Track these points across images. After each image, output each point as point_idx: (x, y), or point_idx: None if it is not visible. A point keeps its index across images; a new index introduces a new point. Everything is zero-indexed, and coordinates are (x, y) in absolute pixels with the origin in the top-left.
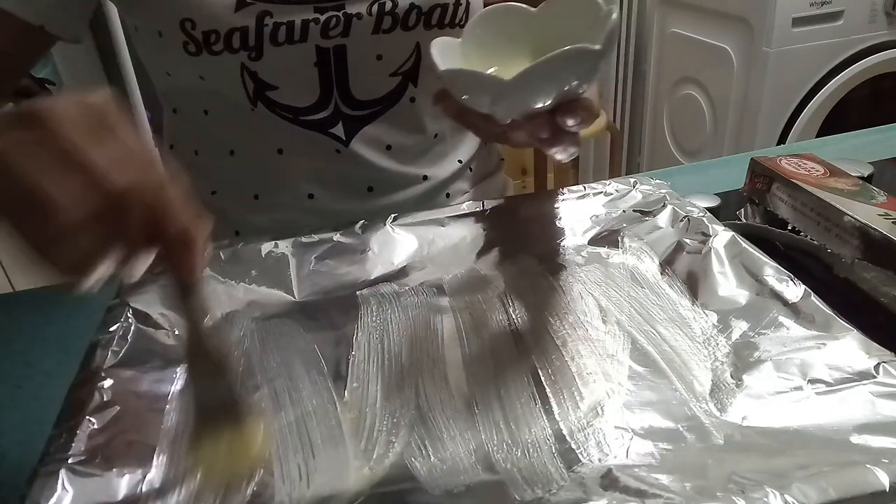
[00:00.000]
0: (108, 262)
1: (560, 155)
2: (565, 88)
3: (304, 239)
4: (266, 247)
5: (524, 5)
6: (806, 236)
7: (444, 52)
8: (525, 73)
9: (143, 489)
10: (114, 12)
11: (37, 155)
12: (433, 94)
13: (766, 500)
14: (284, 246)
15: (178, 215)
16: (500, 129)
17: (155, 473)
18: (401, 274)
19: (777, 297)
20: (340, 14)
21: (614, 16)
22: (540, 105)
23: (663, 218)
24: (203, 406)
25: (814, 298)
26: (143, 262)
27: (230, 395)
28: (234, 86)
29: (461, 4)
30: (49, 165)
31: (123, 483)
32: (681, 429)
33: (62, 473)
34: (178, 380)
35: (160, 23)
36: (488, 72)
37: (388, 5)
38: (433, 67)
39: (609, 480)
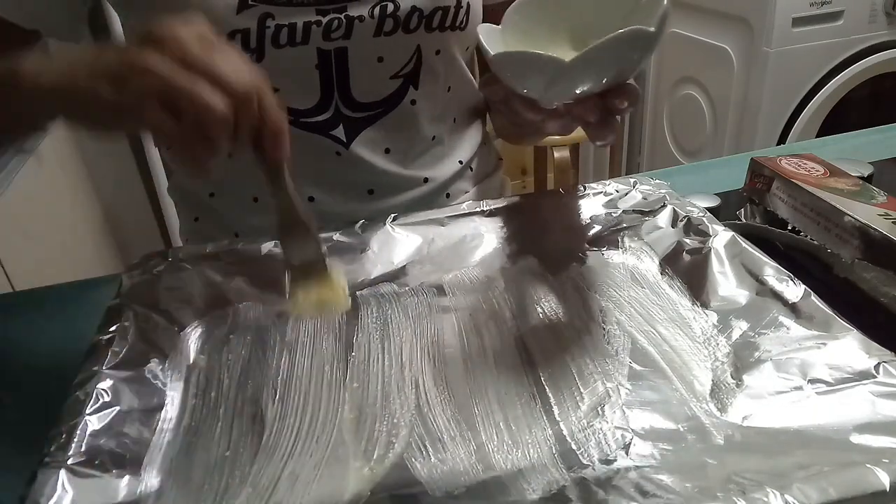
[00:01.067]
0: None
1: (602, 140)
2: (620, 70)
3: None
4: (266, 247)
5: None
6: (806, 236)
7: (490, 38)
8: (585, 55)
9: (143, 489)
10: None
11: (179, 66)
12: (480, 80)
13: (766, 500)
14: None
15: (274, 106)
16: (540, 117)
17: (154, 474)
18: (401, 274)
19: (777, 297)
20: (342, 16)
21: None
22: (594, 87)
23: (663, 218)
24: (295, 267)
25: (814, 298)
26: (246, 144)
27: (317, 253)
28: None
29: (462, 7)
30: (186, 73)
31: (123, 483)
32: (681, 429)
33: (62, 473)
34: (177, 380)
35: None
36: None
37: (390, 8)
38: (483, 53)
39: (609, 481)
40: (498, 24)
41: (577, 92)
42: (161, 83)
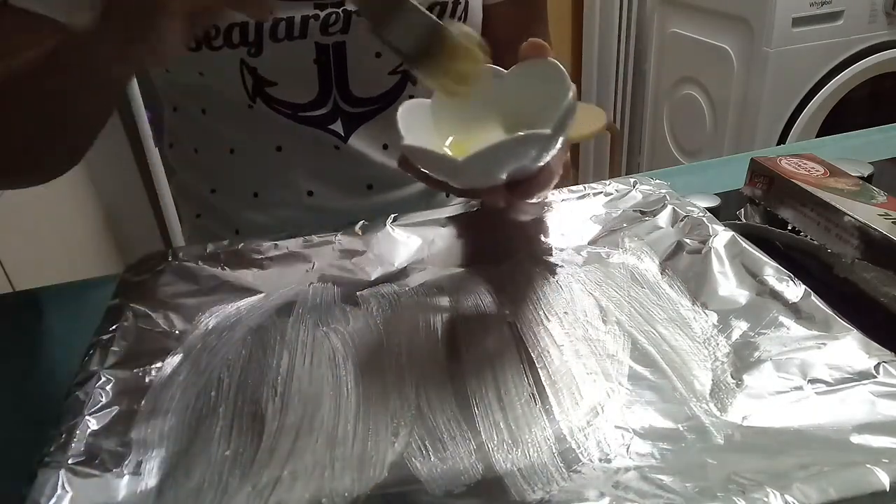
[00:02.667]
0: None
1: (525, 216)
2: (517, 167)
3: (304, 239)
4: (266, 246)
5: (497, 67)
6: (806, 236)
7: (412, 116)
8: (477, 155)
9: (143, 489)
10: None
11: None
12: (398, 159)
13: (766, 500)
14: (285, 246)
15: None
16: (462, 191)
17: (154, 474)
18: (401, 274)
19: (777, 297)
20: (340, 11)
21: (570, 96)
22: (493, 182)
23: (663, 218)
24: (411, 49)
25: (814, 298)
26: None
27: (425, 19)
28: (234, 81)
29: (460, 3)
30: None
31: (123, 483)
32: (681, 429)
33: (62, 473)
34: (177, 379)
35: None
36: (448, 142)
37: None
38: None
39: (609, 480)
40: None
41: (482, 185)
42: None
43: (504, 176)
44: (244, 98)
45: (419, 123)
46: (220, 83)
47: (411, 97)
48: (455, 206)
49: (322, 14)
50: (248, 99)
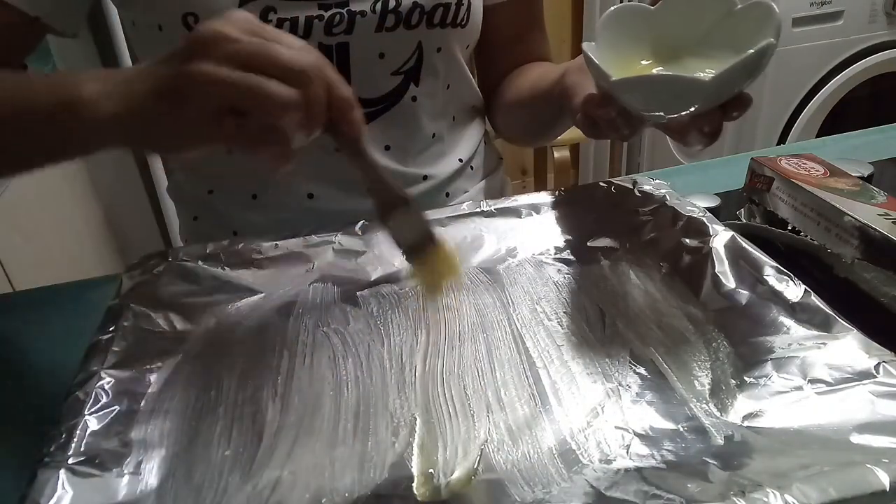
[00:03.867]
0: (299, 135)
1: (703, 146)
2: (747, 84)
3: (304, 240)
4: (266, 247)
5: (645, 4)
6: (806, 236)
7: (598, 55)
8: (724, 74)
9: (143, 489)
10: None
11: (231, 65)
12: (584, 102)
13: (766, 500)
14: (285, 247)
15: (343, 85)
16: (636, 131)
17: (155, 474)
18: (401, 275)
19: (777, 297)
20: (344, 11)
21: (775, 6)
22: (719, 101)
23: (663, 218)
24: (408, 246)
25: (814, 298)
26: (318, 127)
27: (425, 226)
28: None
29: (462, 4)
30: (244, 68)
31: (123, 483)
32: (681, 429)
33: (62, 473)
34: (177, 380)
35: (161, 17)
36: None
37: (392, 3)
38: (598, 76)
39: (609, 481)
40: (500, 25)
41: (700, 108)
42: (220, 87)
43: (730, 97)
44: None
45: (607, 57)
46: None
47: (413, 98)
48: (454, 207)
49: (326, 15)
50: None
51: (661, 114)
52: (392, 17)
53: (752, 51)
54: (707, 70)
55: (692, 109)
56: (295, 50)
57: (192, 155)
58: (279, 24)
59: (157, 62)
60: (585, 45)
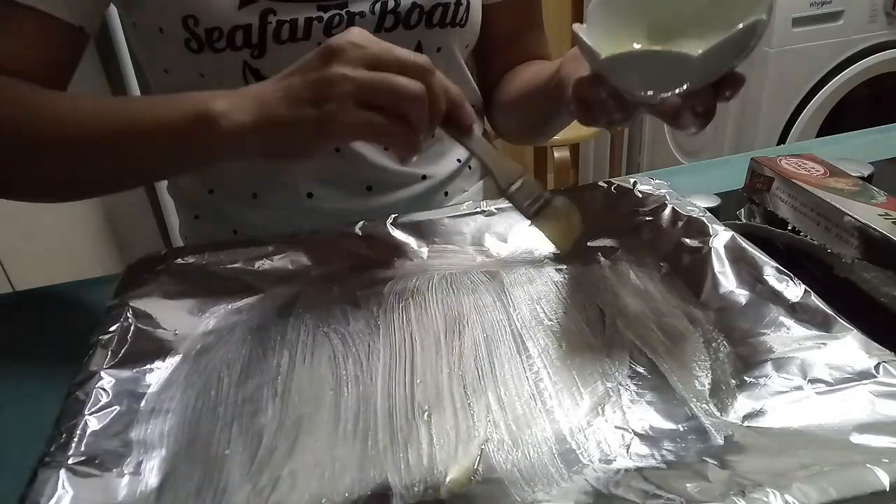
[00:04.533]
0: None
1: (698, 129)
2: (737, 61)
3: (304, 240)
4: (266, 247)
5: None
6: (806, 236)
7: (590, 38)
8: (713, 48)
9: (143, 489)
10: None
11: (366, 67)
12: (575, 84)
13: (766, 500)
14: (284, 247)
15: (451, 83)
16: (629, 116)
17: (155, 474)
18: (400, 275)
19: (777, 297)
20: (343, 12)
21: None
22: (710, 79)
23: (663, 218)
24: (529, 208)
25: (814, 298)
26: (439, 122)
27: (538, 190)
28: (236, 83)
29: (461, 4)
30: (374, 70)
31: (123, 483)
32: (681, 429)
33: (62, 473)
34: (177, 379)
35: (162, 19)
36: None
37: (391, 4)
38: (588, 55)
39: (609, 481)
40: (499, 24)
41: (707, 82)
42: (358, 84)
43: (721, 72)
44: None
45: (598, 38)
46: (222, 85)
47: None
48: (454, 207)
49: (325, 16)
50: None
51: (652, 92)
52: (391, 17)
53: (741, 26)
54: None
55: (683, 87)
56: (410, 53)
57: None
58: (279, 26)
59: (288, 74)
60: (576, 27)
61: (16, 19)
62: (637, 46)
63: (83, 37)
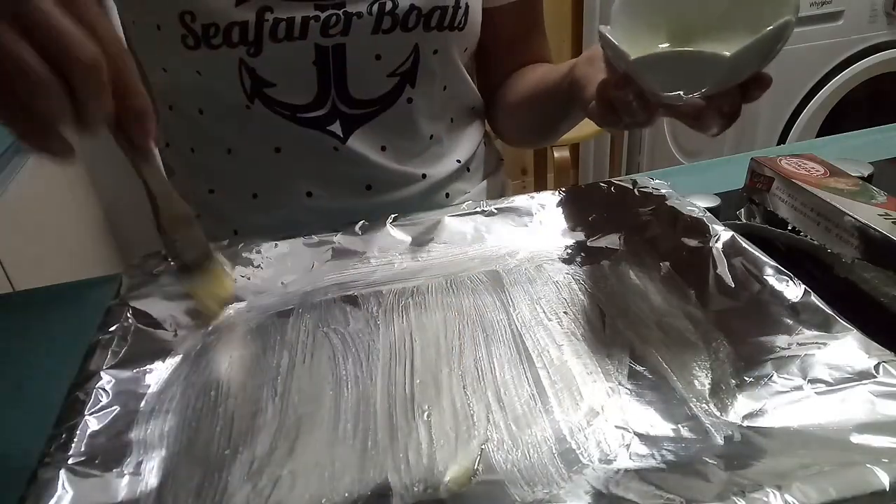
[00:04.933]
0: (69, 124)
1: (721, 130)
2: (766, 62)
3: (304, 240)
4: (266, 247)
5: None
6: (806, 236)
7: (618, 39)
8: (745, 50)
9: (143, 489)
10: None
11: (8, 23)
12: (601, 86)
13: (766, 500)
14: (284, 246)
15: (136, 85)
16: (652, 116)
17: (154, 474)
18: (400, 275)
19: (777, 297)
20: (341, 13)
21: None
22: (738, 79)
23: (663, 218)
24: (185, 264)
25: (814, 298)
26: (99, 126)
27: (205, 246)
28: (232, 82)
29: (460, 7)
30: (22, 32)
31: (123, 483)
32: (681, 429)
33: (62, 474)
34: (177, 379)
35: (159, 16)
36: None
37: (389, 5)
38: (617, 56)
39: (609, 481)
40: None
41: (720, 87)
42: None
43: (749, 75)
44: (242, 99)
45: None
46: (218, 83)
47: (409, 100)
48: (454, 207)
49: (323, 16)
50: (247, 99)
51: (681, 93)
52: (389, 19)
53: (770, 28)
54: (729, 52)
55: (712, 88)
56: (87, 34)
57: None
58: (275, 24)
59: None
60: (602, 28)
61: None
62: (662, 47)
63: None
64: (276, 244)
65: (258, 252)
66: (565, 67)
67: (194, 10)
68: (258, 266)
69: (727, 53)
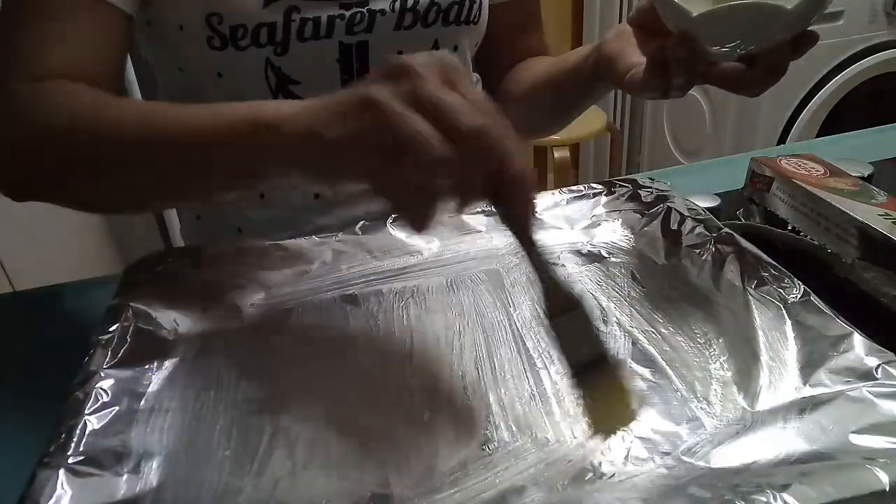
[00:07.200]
0: (450, 202)
1: (765, 89)
2: (821, 12)
3: (305, 239)
4: (267, 246)
5: None
6: (806, 236)
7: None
8: (804, 2)
9: (143, 488)
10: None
11: (405, 102)
12: (657, 47)
13: (765, 500)
14: (285, 246)
15: (518, 160)
16: (695, 78)
17: (154, 473)
18: (401, 274)
19: (777, 297)
20: (365, 10)
21: None
22: (793, 34)
23: (663, 218)
24: (576, 360)
25: (814, 298)
26: (475, 204)
27: (596, 342)
28: (257, 81)
29: (475, 1)
30: (415, 110)
31: (123, 483)
32: (681, 429)
33: (62, 473)
34: (177, 379)
35: (184, 17)
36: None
37: (410, 2)
38: (679, 15)
39: (610, 481)
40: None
41: (779, 39)
42: (380, 117)
43: (807, 26)
44: (267, 96)
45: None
46: (242, 83)
47: None
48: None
49: (347, 14)
50: (271, 96)
51: (740, 45)
52: (410, 15)
53: None
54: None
55: (773, 40)
56: (471, 105)
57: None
58: (302, 24)
59: (353, 87)
60: None
61: (73, 18)
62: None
63: (131, 25)
64: (276, 244)
65: (259, 252)
66: (583, 50)
67: (222, 12)
68: (259, 266)
69: (787, 6)
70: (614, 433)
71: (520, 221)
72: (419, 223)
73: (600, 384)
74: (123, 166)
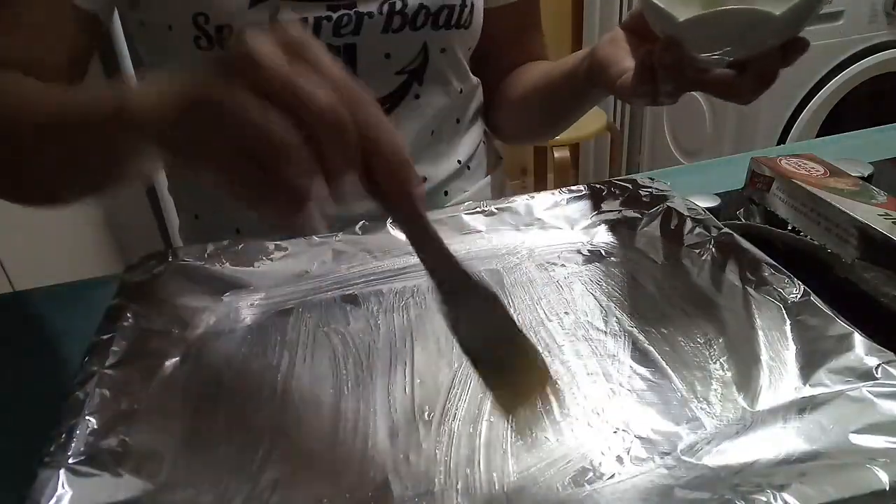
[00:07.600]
0: (321, 195)
1: (754, 97)
2: (808, 21)
3: (304, 239)
4: (267, 246)
5: None
6: (806, 236)
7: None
8: (794, 7)
9: (143, 489)
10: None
11: (247, 96)
12: (644, 54)
13: (766, 499)
14: (285, 246)
15: (392, 136)
16: (685, 86)
17: (154, 473)
18: (401, 274)
19: (777, 297)
20: (352, 13)
21: None
22: (781, 40)
23: (663, 218)
24: (480, 338)
25: (814, 298)
26: (352, 193)
27: (505, 317)
28: None
29: (466, 6)
30: (262, 102)
31: (123, 483)
32: (681, 429)
33: (62, 473)
34: (177, 379)
35: (172, 17)
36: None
37: (399, 5)
38: (663, 19)
39: (609, 481)
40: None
41: (768, 46)
42: (217, 117)
43: (797, 33)
44: None
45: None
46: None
47: (417, 97)
48: (454, 207)
49: (335, 16)
50: None
51: (728, 52)
52: (398, 18)
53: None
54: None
55: (761, 47)
56: (319, 82)
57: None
58: None
59: (195, 75)
60: None
61: (26, 4)
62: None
63: (97, 25)
64: (276, 244)
65: (259, 252)
66: (580, 55)
67: (208, 12)
68: (259, 266)
69: (776, 12)
70: (535, 398)
71: (402, 207)
72: (284, 221)
73: (509, 353)
74: (24, 152)
